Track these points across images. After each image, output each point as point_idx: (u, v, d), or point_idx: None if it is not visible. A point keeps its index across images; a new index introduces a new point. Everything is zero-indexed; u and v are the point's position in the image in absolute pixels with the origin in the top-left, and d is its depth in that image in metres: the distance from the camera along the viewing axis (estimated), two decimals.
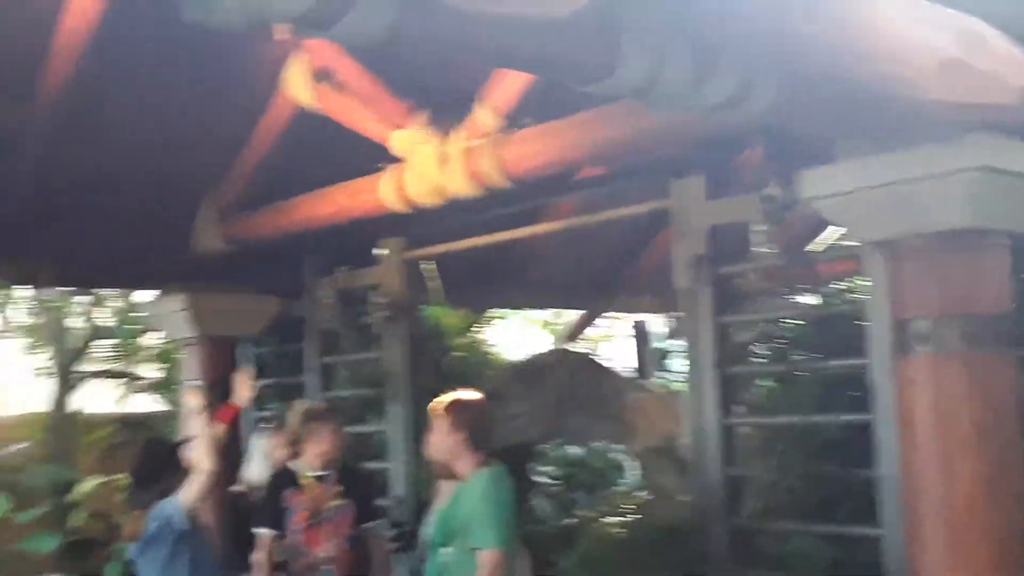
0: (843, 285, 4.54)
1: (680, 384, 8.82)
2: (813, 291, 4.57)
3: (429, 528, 4.74)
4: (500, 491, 4.37)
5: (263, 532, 5.10)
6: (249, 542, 5.40)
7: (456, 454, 4.43)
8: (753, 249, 4.41)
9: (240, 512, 5.75)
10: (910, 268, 3.58)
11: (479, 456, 4.42)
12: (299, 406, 5.60)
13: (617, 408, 6.52)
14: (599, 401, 6.49)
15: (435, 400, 4.54)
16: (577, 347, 13.26)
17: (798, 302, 4.76)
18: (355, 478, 5.19)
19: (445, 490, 4.75)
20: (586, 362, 7.19)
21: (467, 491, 4.41)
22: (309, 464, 5.11)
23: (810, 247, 6.13)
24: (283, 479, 5.17)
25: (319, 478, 5.10)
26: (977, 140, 3.24)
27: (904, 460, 3.75)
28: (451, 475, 4.58)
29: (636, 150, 4.58)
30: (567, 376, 6.53)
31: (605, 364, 7.39)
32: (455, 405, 4.49)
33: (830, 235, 6.38)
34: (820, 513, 4.48)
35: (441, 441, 4.43)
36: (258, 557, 5.11)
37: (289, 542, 5.02)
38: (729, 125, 3.66)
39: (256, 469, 6.08)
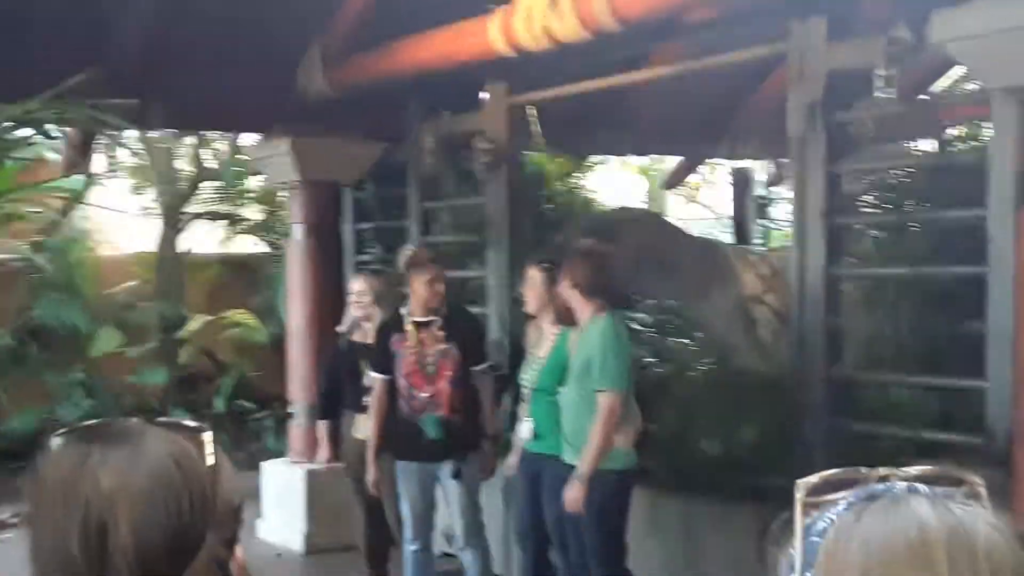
0: (964, 132, 4.39)
1: (780, 233, 8.74)
2: (932, 138, 4.43)
3: (532, 372, 4.87)
4: (619, 336, 4.56)
5: (374, 376, 5.26)
6: (350, 381, 5.58)
7: (572, 302, 4.57)
8: (873, 95, 4.27)
9: (339, 351, 5.88)
10: None
11: (596, 303, 4.55)
12: (405, 251, 5.68)
13: (687, 268, 6.46)
14: (666, 262, 6.44)
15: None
16: (652, 206, 13.21)
17: (914, 150, 4.62)
18: (460, 323, 5.23)
19: (548, 336, 4.86)
20: (656, 223, 7.17)
21: (586, 336, 4.57)
22: (414, 310, 5.18)
23: (930, 92, 5.89)
24: (392, 324, 5.25)
25: (424, 324, 5.16)
26: None
27: (1017, 314, 3.71)
28: (570, 320, 4.70)
29: None
30: (636, 237, 6.45)
31: (673, 225, 7.39)
32: (572, 253, 4.64)
33: (949, 81, 6.13)
34: (925, 366, 4.46)
35: (563, 292, 4.59)
36: (371, 401, 5.29)
37: (399, 385, 5.15)
38: None
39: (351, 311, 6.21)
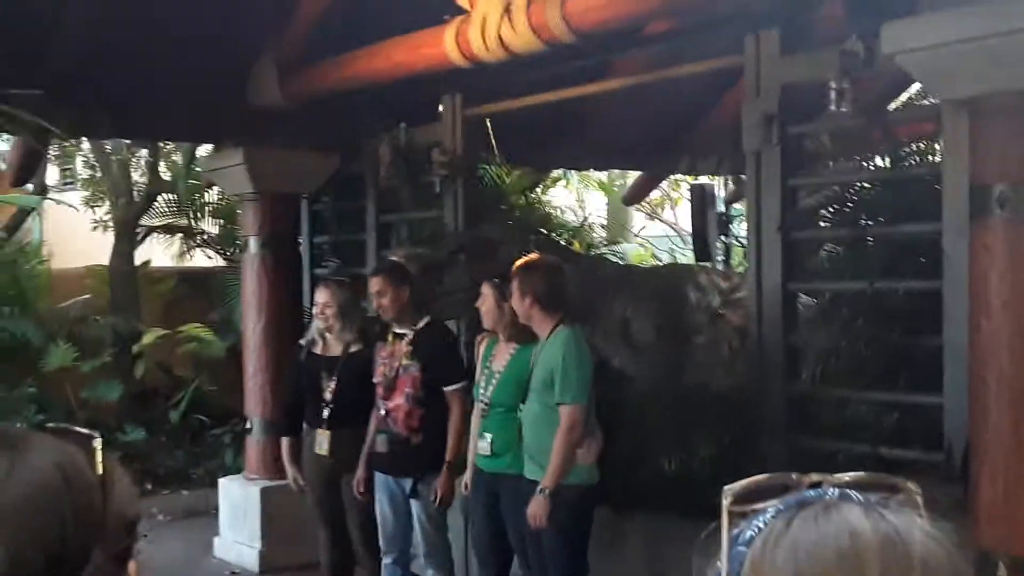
0: (919, 147, 4.38)
1: (742, 249, 8.74)
2: (887, 154, 4.41)
3: (488, 387, 4.80)
4: (580, 349, 4.51)
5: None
6: (311, 396, 5.47)
7: (529, 316, 4.54)
8: (828, 109, 4.25)
9: (300, 365, 5.76)
10: (994, 129, 3.44)
11: (556, 317, 4.53)
12: (384, 261, 5.65)
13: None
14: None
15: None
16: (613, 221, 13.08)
17: (870, 165, 4.61)
18: (429, 339, 5.14)
19: (505, 350, 4.80)
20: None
21: (547, 350, 4.53)
22: (390, 321, 5.18)
23: (887, 108, 5.91)
24: (381, 333, 5.27)
25: (398, 336, 5.14)
26: None
27: (973, 328, 3.68)
28: (525, 337, 4.66)
29: (709, 1, 4.40)
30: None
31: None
32: (529, 267, 4.60)
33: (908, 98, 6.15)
34: (881, 381, 4.43)
35: (518, 302, 4.55)
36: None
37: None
38: None
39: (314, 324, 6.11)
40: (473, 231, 6.14)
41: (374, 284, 5.15)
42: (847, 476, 0.92)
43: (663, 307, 5.84)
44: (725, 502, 0.92)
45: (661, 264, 10.33)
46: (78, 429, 1.07)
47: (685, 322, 5.99)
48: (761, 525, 0.89)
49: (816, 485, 0.91)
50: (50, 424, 1.07)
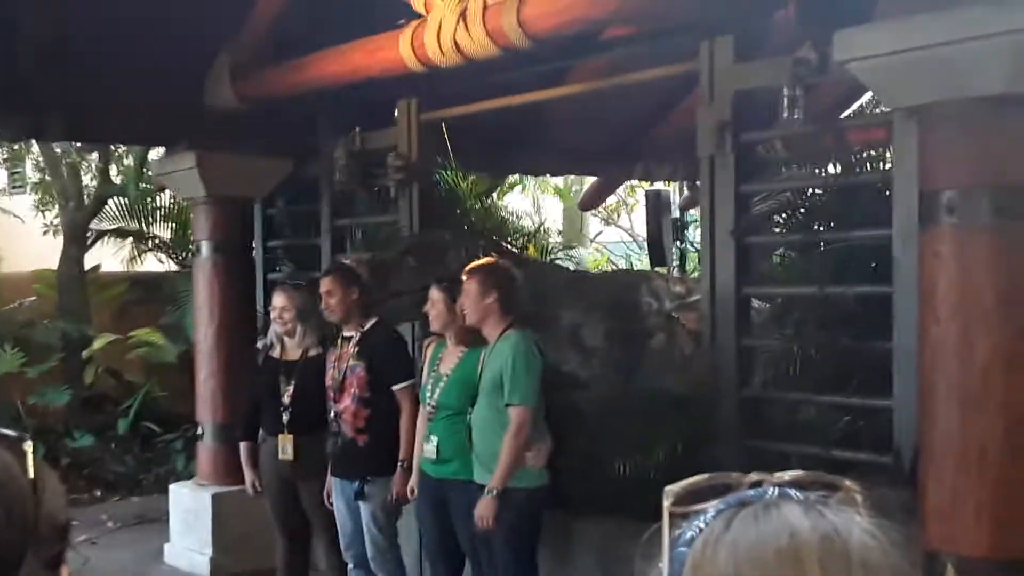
0: (869, 154, 4.44)
1: (696, 255, 8.80)
2: (838, 161, 4.47)
3: (433, 392, 4.79)
4: (530, 352, 4.53)
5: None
6: (268, 400, 5.42)
7: (485, 316, 4.55)
8: (781, 116, 4.30)
9: (257, 370, 5.70)
10: (943, 136, 3.50)
11: (507, 319, 4.55)
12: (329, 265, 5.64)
13: None
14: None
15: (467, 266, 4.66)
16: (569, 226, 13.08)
17: (821, 172, 4.66)
18: (375, 339, 5.14)
19: (453, 353, 4.80)
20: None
21: (497, 351, 4.53)
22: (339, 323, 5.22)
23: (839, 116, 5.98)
24: (333, 338, 5.30)
25: (346, 339, 5.16)
26: None
27: (922, 333, 3.74)
28: (474, 340, 4.66)
29: (664, 8, 4.43)
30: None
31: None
32: (484, 269, 4.63)
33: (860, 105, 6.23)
34: (833, 385, 4.48)
35: (472, 304, 4.55)
36: None
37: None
38: None
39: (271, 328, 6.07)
40: (421, 234, 6.14)
41: (324, 284, 5.17)
42: (787, 475, 0.92)
43: (614, 312, 5.87)
44: (666, 503, 0.91)
45: (613, 270, 10.40)
46: (7, 432, 1.04)
47: (637, 327, 6.04)
48: (702, 525, 0.89)
49: (757, 484, 0.91)
50: None
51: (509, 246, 6.49)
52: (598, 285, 6.46)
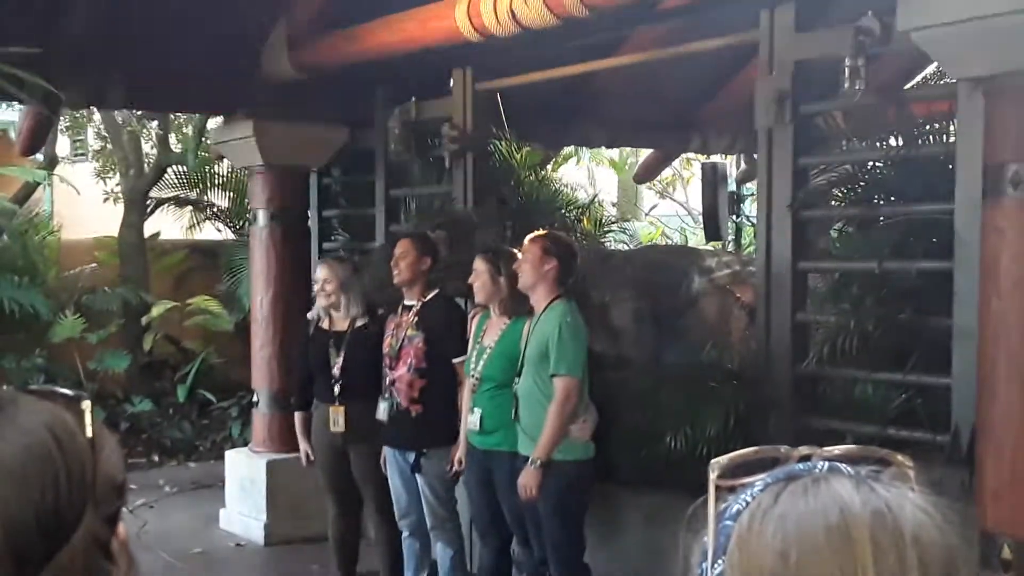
0: (933, 127, 4.33)
1: (753, 229, 8.70)
2: (900, 133, 4.37)
3: (480, 361, 4.80)
4: (576, 323, 4.52)
5: None
6: (320, 371, 5.45)
7: (538, 283, 4.54)
8: (842, 87, 4.21)
9: (308, 340, 5.73)
10: (1009, 108, 3.41)
11: (558, 290, 4.54)
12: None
13: None
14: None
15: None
16: (623, 200, 12.97)
17: (882, 145, 4.56)
18: (434, 311, 5.16)
19: (497, 324, 4.79)
20: None
21: (543, 322, 4.52)
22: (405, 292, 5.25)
23: (902, 87, 5.85)
24: (393, 307, 5.34)
25: (407, 307, 5.18)
26: None
27: (983, 309, 3.66)
28: (517, 310, 4.64)
29: None
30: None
31: None
32: (550, 236, 4.67)
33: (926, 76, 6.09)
34: (890, 362, 4.41)
35: (529, 268, 4.54)
36: None
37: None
38: None
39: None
40: (448, 211, 6.16)
41: (401, 245, 5.21)
42: (837, 449, 0.90)
43: (660, 289, 5.86)
44: (712, 475, 0.89)
45: (651, 244, 10.34)
46: (65, 391, 1.05)
47: (687, 302, 6.00)
48: (749, 499, 0.87)
49: (806, 458, 0.89)
50: (33, 386, 1.06)
51: (559, 221, 6.43)
52: (646, 259, 6.46)
